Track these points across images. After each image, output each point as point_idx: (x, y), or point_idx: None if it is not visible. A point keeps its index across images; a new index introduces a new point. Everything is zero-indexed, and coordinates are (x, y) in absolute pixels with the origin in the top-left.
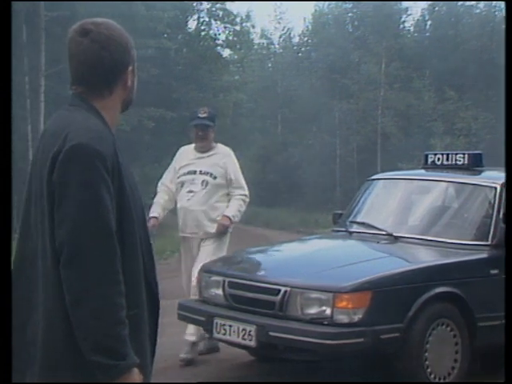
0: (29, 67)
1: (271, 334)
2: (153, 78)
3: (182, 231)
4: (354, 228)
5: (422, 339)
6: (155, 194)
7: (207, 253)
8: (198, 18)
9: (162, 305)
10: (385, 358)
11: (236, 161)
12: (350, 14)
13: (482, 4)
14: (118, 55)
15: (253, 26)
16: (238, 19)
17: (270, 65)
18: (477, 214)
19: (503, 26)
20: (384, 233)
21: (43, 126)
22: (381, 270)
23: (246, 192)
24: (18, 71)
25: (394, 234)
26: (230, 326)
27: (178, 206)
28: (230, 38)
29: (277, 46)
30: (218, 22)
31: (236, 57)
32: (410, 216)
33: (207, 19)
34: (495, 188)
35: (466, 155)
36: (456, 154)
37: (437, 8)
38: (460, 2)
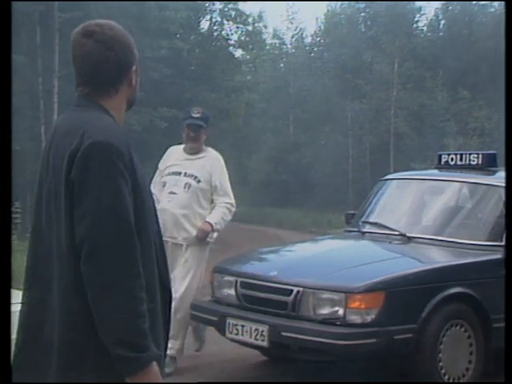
0: (42, 68)
1: (283, 334)
2: (165, 78)
3: None
4: (367, 228)
5: (435, 340)
6: None
7: (185, 270)
8: (211, 18)
9: None
10: (398, 359)
11: (224, 167)
12: (362, 14)
13: (496, 3)
14: (122, 55)
15: (265, 27)
16: (250, 19)
17: (282, 65)
18: (491, 215)
19: None
20: (397, 233)
21: None
22: (394, 271)
23: (232, 201)
24: (32, 72)
25: (407, 235)
26: (243, 326)
27: (159, 207)
28: (243, 38)
29: (289, 46)
30: (231, 23)
31: (248, 57)
32: (423, 216)
33: (220, 19)
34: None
35: (480, 155)
36: (470, 154)
37: (450, 7)
38: (474, 1)
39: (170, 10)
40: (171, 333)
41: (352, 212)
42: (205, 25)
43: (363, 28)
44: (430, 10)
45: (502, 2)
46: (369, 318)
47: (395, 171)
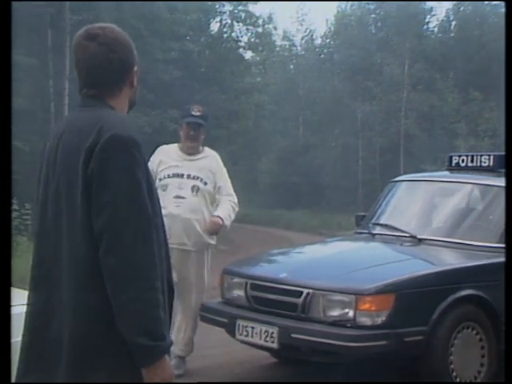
0: (53, 71)
1: (293, 336)
2: (175, 80)
3: None
4: (377, 230)
5: (446, 342)
6: None
7: (196, 276)
8: (221, 20)
9: None
10: (409, 362)
11: (224, 167)
12: (372, 15)
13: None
14: (124, 56)
15: (275, 28)
16: (260, 21)
17: (291, 67)
18: (502, 217)
19: None
20: (407, 235)
21: None
22: (404, 273)
23: (236, 200)
24: (43, 75)
25: (418, 237)
26: (253, 327)
27: (164, 212)
28: (252, 39)
29: (299, 48)
30: (241, 24)
31: (258, 59)
32: (433, 218)
33: (229, 21)
34: None
35: (491, 157)
36: (481, 155)
37: (462, 8)
38: (486, 2)
39: (180, 12)
40: (181, 335)
41: (362, 214)
42: (215, 27)
43: (373, 29)
44: (441, 10)
45: None
46: (379, 320)
47: (405, 173)
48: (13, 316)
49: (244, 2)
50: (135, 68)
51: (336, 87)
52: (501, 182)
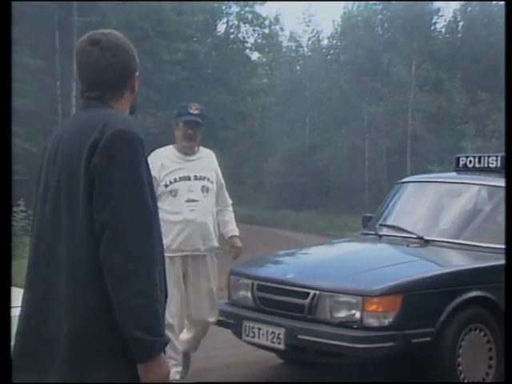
0: (61, 72)
1: (300, 337)
2: (182, 81)
3: (175, 250)
4: (384, 231)
5: (454, 344)
6: None
7: (208, 281)
8: (227, 21)
9: None
10: (416, 363)
11: None
12: (379, 16)
13: None
14: (126, 61)
15: (281, 29)
16: (266, 22)
17: (298, 68)
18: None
19: None
20: (414, 236)
21: None
22: (411, 274)
23: (230, 201)
24: (50, 76)
25: (425, 238)
26: (259, 328)
27: (173, 219)
28: (259, 41)
29: (305, 49)
30: (247, 25)
31: (265, 60)
32: (440, 219)
33: (236, 22)
34: None
35: (499, 158)
36: (488, 156)
37: (469, 8)
38: (494, 2)
39: (186, 13)
40: (191, 335)
41: (369, 215)
42: (221, 28)
43: (380, 30)
44: (448, 11)
45: None
46: (386, 322)
47: (412, 174)
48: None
49: (250, 3)
50: (137, 73)
51: (343, 88)
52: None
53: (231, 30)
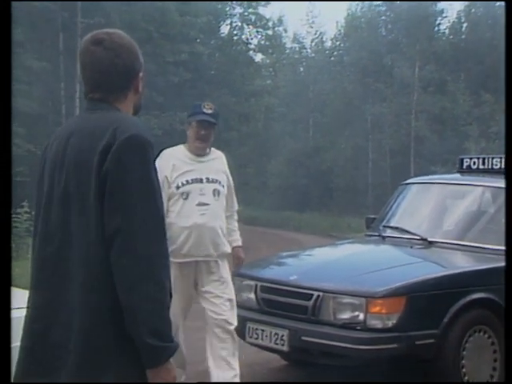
0: (64, 74)
1: (303, 338)
2: (186, 82)
3: (186, 255)
4: (388, 233)
5: (458, 346)
6: None
7: (222, 287)
8: (231, 22)
9: None
10: (420, 365)
11: None
12: (383, 18)
13: None
14: (130, 61)
15: (285, 31)
16: (270, 23)
17: (302, 69)
18: None
19: None
20: (418, 238)
21: None
22: (415, 275)
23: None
24: (54, 78)
25: (429, 239)
26: (263, 330)
27: (183, 224)
28: (263, 42)
29: (309, 51)
30: (251, 27)
31: (268, 61)
32: (444, 221)
33: (240, 24)
34: None
35: (503, 159)
36: (492, 157)
37: (473, 10)
38: (498, 3)
39: (190, 14)
40: (221, 353)
41: (372, 216)
42: (225, 29)
43: (384, 31)
44: (452, 12)
45: None
46: (390, 323)
47: (416, 175)
48: (21, 318)
49: (254, 4)
50: (141, 74)
51: (346, 89)
52: None
53: (235, 32)
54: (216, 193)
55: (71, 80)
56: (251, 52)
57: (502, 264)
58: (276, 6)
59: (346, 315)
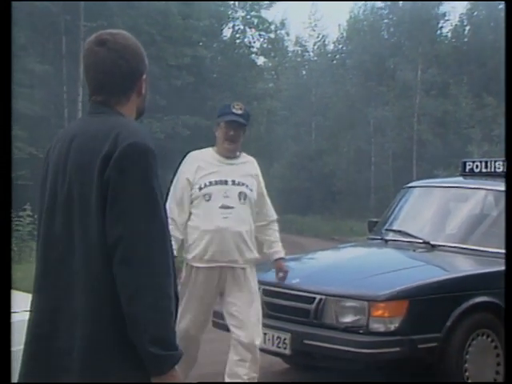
0: (67, 77)
1: (306, 342)
2: (188, 85)
3: (209, 260)
4: (390, 236)
5: (461, 350)
6: None
7: (250, 296)
8: (233, 26)
9: None
10: (423, 369)
11: None
12: (385, 21)
13: None
14: (134, 63)
15: (287, 34)
16: (272, 27)
17: (304, 72)
18: None
19: None
20: (421, 241)
21: None
22: (418, 279)
23: (276, 216)
24: (57, 81)
25: (431, 243)
26: (265, 333)
27: (205, 227)
28: (265, 45)
29: (311, 54)
30: (253, 30)
31: (270, 64)
32: (447, 224)
33: (242, 27)
34: None
35: (506, 162)
36: (495, 161)
37: (476, 12)
38: (500, 5)
39: (193, 18)
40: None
41: (375, 220)
42: (227, 32)
43: (386, 35)
44: (454, 15)
45: None
46: (392, 327)
47: (418, 178)
48: (23, 321)
49: (257, 7)
50: (144, 76)
51: (349, 92)
52: None
53: (237, 35)
54: (242, 196)
55: (74, 83)
56: (253, 55)
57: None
58: (278, 8)
59: (348, 319)
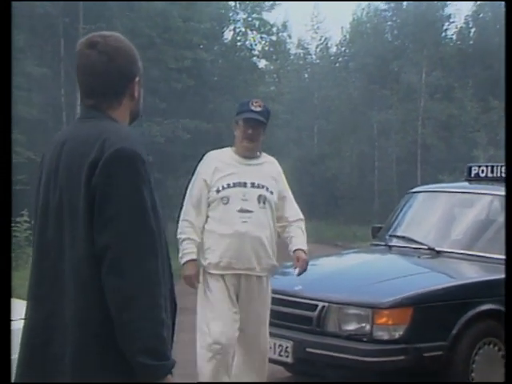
0: (65, 80)
1: (308, 350)
2: (189, 89)
3: (225, 267)
4: (394, 242)
5: (467, 358)
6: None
7: (264, 308)
8: (234, 28)
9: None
10: (428, 378)
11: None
12: (389, 23)
13: None
14: (125, 65)
15: (289, 36)
16: (274, 29)
17: (306, 75)
18: None
19: None
20: (425, 247)
21: None
22: (422, 286)
23: (303, 217)
24: (55, 85)
25: (436, 249)
26: None
27: (222, 231)
28: (266, 48)
29: (314, 56)
30: (254, 33)
31: (272, 67)
32: (452, 230)
33: (243, 30)
34: None
35: (506, 168)
36: (501, 166)
37: (481, 14)
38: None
39: (193, 20)
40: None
41: (378, 225)
42: (228, 35)
43: (390, 37)
44: (459, 17)
45: None
46: (396, 335)
47: (422, 183)
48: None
49: (258, 9)
50: (137, 79)
51: (352, 96)
52: None
53: (238, 38)
54: (261, 199)
55: (72, 87)
56: (255, 58)
57: None
58: (280, 10)
59: (351, 326)
